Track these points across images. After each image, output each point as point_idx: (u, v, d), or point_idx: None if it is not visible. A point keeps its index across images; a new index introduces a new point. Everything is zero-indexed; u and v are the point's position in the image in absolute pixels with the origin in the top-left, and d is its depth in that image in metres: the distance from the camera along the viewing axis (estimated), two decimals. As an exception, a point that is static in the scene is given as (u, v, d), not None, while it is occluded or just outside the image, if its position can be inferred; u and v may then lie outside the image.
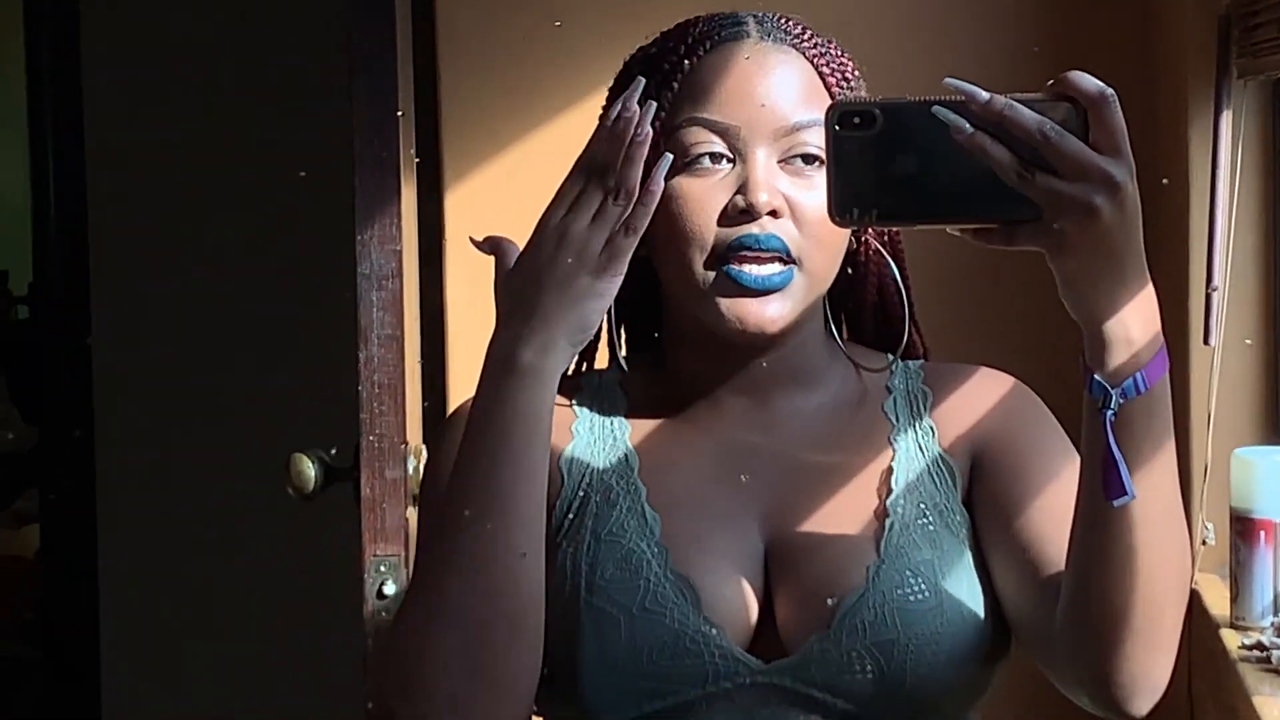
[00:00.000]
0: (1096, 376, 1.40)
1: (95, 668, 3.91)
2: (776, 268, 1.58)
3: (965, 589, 1.60)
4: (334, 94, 2.37)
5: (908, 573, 1.58)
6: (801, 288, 1.60)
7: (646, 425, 1.68)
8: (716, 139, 1.59)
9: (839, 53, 1.66)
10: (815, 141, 1.59)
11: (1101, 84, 1.35)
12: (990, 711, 1.68)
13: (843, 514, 1.62)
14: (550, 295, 1.51)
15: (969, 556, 1.62)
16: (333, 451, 2.44)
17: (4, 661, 5.51)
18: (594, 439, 1.67)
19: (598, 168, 1.52)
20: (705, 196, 1.59)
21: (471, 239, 1.59)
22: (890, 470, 1.64)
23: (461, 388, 1.71)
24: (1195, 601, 2.38)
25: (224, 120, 3.81)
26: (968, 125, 1.34)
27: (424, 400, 2.47)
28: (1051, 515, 1.58)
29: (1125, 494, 1.41)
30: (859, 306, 1.72)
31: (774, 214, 1.58)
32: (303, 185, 3.25)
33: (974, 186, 1.35)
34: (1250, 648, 2.26)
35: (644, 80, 1.55)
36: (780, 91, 1.60)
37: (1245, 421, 2.58)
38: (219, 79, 3.82)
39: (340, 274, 2.28)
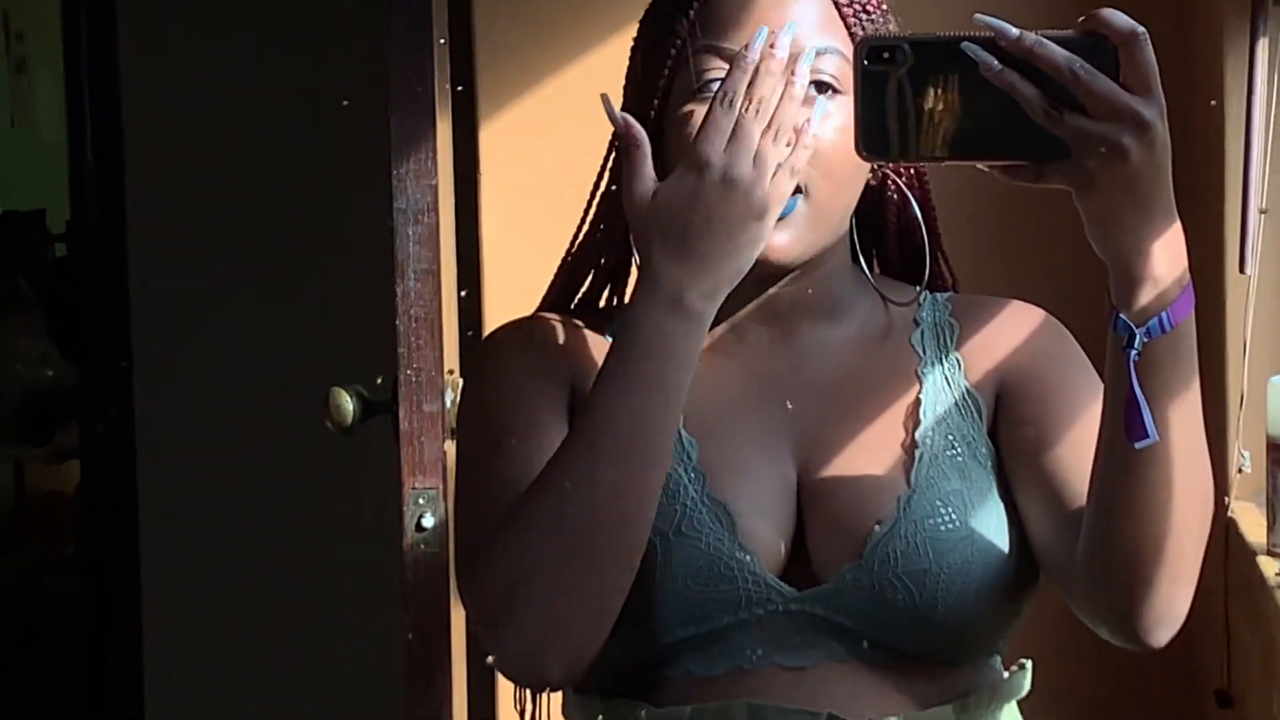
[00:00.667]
0: (1121, 315, 1.41)
1: (137, 601, 3.93)
2: None
3: (994, 520, 1.60)
4: (370, 29, 2.37)
5: (938, 502, 1.59)
6: (807, 216, 1.59)
7: None
8: (728, 66, 1.57)
9: None
10: (828, 69, 1.59)
11: (1133, 22, 1.34)
12: (1016, 646, 1.69)
13: (872, 445, 1.63)
14: (719, 241, 1.50)
15: (996, 489, 1.62)
16: (375, 384, 2.45)
17: (46, 595, 5.56)
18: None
19: (751, 103, 1.51)
20: None
21: (607, 105, 1.56)
22: (918, 402, 1.65)
23: (497, 320, 1.71)
24: (1232, 529, 2.37)
25: (259, 56, 3.80)
26: (997, 62, 1.34)
27: (461, 333, 2.49)
28: (1078, 449, 1.58)
29: (1147, 436, 1.42)
30: (883, 239, 1.72)
31: None
32: (339, 120, 3.25)
33: (1002, 124, 1.35)
34: (1286, 574, 2.27)
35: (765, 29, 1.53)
36: (793, 19, 1.58)
37: (1282, 349, 2.58)
38: (254, 13, 3.81)
39: (377, 209, 2.29)
